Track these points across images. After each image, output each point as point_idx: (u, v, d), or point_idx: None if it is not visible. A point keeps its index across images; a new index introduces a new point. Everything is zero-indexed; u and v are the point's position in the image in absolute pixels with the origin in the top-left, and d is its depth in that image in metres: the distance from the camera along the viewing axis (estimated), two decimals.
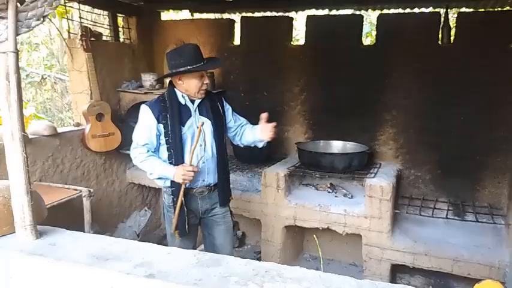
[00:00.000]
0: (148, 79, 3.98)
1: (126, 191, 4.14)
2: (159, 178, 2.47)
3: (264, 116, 2.46)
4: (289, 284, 1.37)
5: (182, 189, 2.39)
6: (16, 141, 1.64)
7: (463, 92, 3.46)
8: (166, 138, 2.39)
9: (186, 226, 2.49)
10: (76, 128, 3.65)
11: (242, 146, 2.74)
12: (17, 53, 1.60)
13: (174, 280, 1.41)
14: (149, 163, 2.42)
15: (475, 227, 3.26)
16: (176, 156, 2.40)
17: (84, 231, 2.78)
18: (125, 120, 3.91)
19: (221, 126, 2.56)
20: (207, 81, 2.44)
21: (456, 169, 3.60)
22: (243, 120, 2.69)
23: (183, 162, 2.39)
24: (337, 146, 3.84)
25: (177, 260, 1.55)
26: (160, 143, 2.44)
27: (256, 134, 2.55)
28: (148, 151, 2.42)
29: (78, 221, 2.93)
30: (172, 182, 2.43)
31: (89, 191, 3.03)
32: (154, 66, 4.38)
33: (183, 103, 2.44)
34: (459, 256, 2.98)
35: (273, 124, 2.45)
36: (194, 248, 2.62)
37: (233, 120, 2.65)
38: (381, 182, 3.18)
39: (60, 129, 3.53)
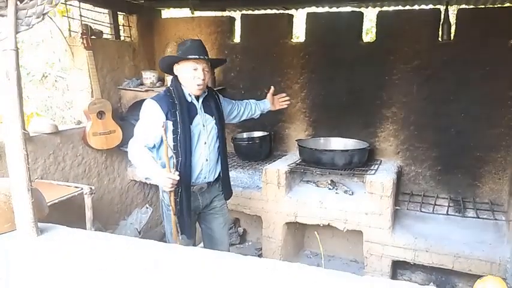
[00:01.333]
0: (149, 77, 3.99)
1: (127, 188, 4.15)
2: (146, 178, 2.40)
3: (272, 89, 2.93)
4: (289, 280, 1.37)
5: (172, 199, 2.30)
6: (17, 139, 1.64)
7: (463, 89, 3.46)
8: (175, 135, 2.30)
9: (190, 229, 2.49)
10: (77, 126, 3.65)
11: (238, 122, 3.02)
12: (16, 50, 1.60)
13: (175, 277, 1.42)
14: (140, 157, 2.27)
15: (476, 223, 3.26)
16: (184, 154, 2.32)
17: (85, 229, 2.78)
18: (126, 117, 3.93)
19: (223, 122, 2.57)
20: (200, 75, 2.30)
21: (456, 165, 3.59)
22: (233, 102, 2.80)
23: (190, 160, 2.34)
24: (337, 143, 3.84)
25: (178, 256, 1.56)
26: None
27: (264, 106, 2.92)
28: (145, 146, 2.29)
29: (80, 219, 2.93)
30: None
31: (90, 188, 3.03)
32: (155, 64, 4.38)
33: (190, 100, 2.38)
34: (460, 252, 2.98)
35: (283, 94, 2.98)
36: (194, 245, 2.63)
37: (230, 107, 2.74)
38: (381, 179, 3.18)
39: (61, 127, 3.55)
